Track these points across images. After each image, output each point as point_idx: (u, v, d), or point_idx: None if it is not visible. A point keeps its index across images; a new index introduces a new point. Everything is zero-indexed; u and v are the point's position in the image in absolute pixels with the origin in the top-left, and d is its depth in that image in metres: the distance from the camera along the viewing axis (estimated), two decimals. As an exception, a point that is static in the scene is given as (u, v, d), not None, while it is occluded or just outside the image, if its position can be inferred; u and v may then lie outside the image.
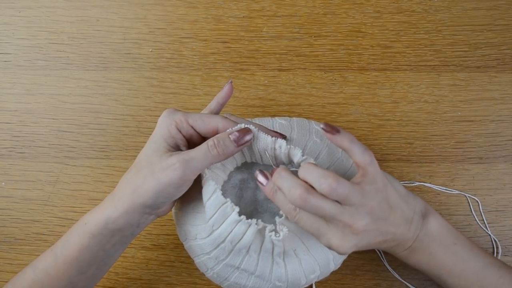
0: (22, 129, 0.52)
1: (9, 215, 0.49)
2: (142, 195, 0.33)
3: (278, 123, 0.40)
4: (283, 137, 0.37)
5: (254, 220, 0.33)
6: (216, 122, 0.35)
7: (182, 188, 0.34)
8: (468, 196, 0.47)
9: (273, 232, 0.33)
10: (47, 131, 0.51)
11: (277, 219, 0.34)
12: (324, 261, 0.35)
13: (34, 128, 0.52)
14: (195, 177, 0.34)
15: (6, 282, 0.46)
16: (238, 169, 0.38)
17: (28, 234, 0.48)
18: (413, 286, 0.44)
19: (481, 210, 0.47)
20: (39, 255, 0.47)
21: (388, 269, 0.45)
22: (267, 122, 0.40)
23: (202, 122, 0.35)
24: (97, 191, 0.49)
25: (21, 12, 0.56)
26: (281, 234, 0.33)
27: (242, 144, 0.34)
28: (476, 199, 0.47)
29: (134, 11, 0.55)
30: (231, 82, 0.40)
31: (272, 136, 0.35)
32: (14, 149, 0.51)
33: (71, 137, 0.51)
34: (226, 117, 0.36)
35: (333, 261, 0.36)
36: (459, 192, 0.47)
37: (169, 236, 0.47)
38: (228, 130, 0.34)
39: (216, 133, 0.36)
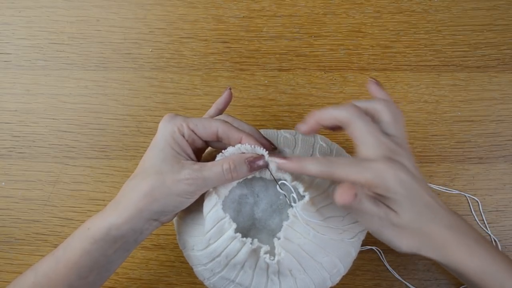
0: (22, 129, 0.52)
1: (9, 215, 0.49)
2: (151, 203, 0.33)
3: (283, 136, 0.40)
4: (273, 147, 0.37)
5: (249, 239, 0.33)
6: (216, 127, 0.35)
7: (192, 199, 0.35)
8: (468, 196, 0.47)
9: (268, 255, 0.33)
10: (47, 131, 0.51)
11: (275, 241, 0.34)
12: (320, 280, 0.35)
13: (34, 128, 0.52)
14: (204, 191, 0.35)
15: (6, 282, 0.46)
16: (238, 183, 0.38)
17: (28, 234, 0.48)
18: (413, 286, 0.44)
19: (481, 210, 0.47)
20: (39, 255, 0.47)
21: (388, 269, 0.45)
22: (272, 134, 0.40)
23: (202, 127, 0.35)
24: (97, 191, 0.49)
25: (21, 12, 0.56)
26: (276, 257, 0.33)
27: (255, 169, 0.35)
28: (476, 199, 0.47)
29: (134, 11, 0.55)
30: (230, 88, 0.41)
31: (261, 146, 0.35)
32: (14, 149, 0.51)
33: (71, 137, 0.51)
34: (225, 121, 0.36)
35: (330, 280, 0.36)
36: (459, 192, 0.47)
37: (169, 236, 0.47)
38: (244, 155, 0.35)
39: (216, 137, 0.36)
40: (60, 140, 0.51)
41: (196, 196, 0.34)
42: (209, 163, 0.34)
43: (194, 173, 0.33)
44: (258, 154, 0.35)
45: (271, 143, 0.37)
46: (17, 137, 0.51)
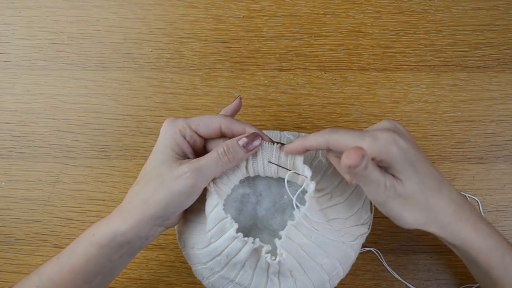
0: (22, 129, 0.52)
1: (9, 215, 0.49)
2: (154, 207, 0.33)
3: (286, 138, 0.40)
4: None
5: (250, 239, 0.33)
6: (218, 122, 0.35)
7: (193, 196, 0.34)
8: (468, 196, 0.47)
9: (269, 254, 0.33)
10: (47, 131, 0.51)
11: (276, 241, 0.34)
12: (319, 282, 0.35)
13: (34, 128, 0.52)
14: (206, 184, 0.34)
15: (6, 282, 0.46)
16: (240, 182, 0.38)
17: (28, 234, 0.48)
18: (413, 286, 0.44)
19: (481, 210, 0.46)
20: (39, 255, 0.47)
21: (388, 269, 0.45)
22: (275, 135, 0.40)
23: (204, 125, 0.35)
24: (97, 191, 0.49)
25: (21, 12, 0.56)
26: (278, 258, 0.33)
27: (251, 150, 0.34)
28: (476, 199, 0.47)
29: (134, 11, 0.55)
30: (240, 98, 0.40)
31: (276, 144, 0.35)
32: (14, 149, 0.51)
33: (71, 137, 0.51)
34: (227, 116, 0.36)
35: (329, 282, 0.36)
36: (459, 192, 0.47)
37: (169, 236, 0.47)
38: (236, 138, 0.34)
39: (219, 133, 0.35)
40: (60, 140, 0.51)
41: (198, 190, 0.34)
42: (206, 154, 0.34)
43: (191, 165, 0.33)
44: (251, 135, 0.34)
45: (272, 141, 0.37)
46: (17, 137, 0.51)
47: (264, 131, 0.39)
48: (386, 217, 0.46)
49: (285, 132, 0.41)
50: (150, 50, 0.54)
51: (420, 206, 0.32)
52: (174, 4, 0.55)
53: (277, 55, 0.53)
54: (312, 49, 0.53)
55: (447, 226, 0.33)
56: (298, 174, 0.36)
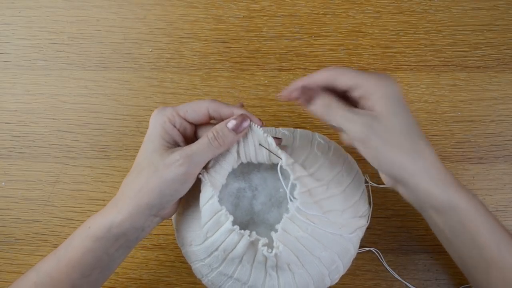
0: (22, 129, 0.52)
1: (9, 215, 0.49)
2: (147, 195, 0.33)
3: (281, 133, 0.40)
4: (279, 140, 0.37)
5: (247, 232, 0.33)
6: (205, 106, 0.35)
7: (187, 184, 0.34)
8: (468, 196, 0.47)
9: (266, 247, 0.33)
10: (47, 131, 0.51)
11: (273, 234, 0.34)
12: (319, 276, 0.35)
13: (34, 128, 0.52)
14: (199, 171, 0.34)
15: (6, 282, 0.46)
16: (235, 177, 0.37)
17: (28, 234, 0.48)
18: (413, 286, 0.44)
19: (481, 210, 0.46)
20: (39, 255, 0.47)
21: (388, 269, 0.45)
22: (270, 131, 0.40)
23: (193, 111, 0.35)
24: (97, 191, 0.49)
25: (21, 12, 0.56)
26: (274, 250, 0.33)
27: (241, 132, 0.34)
28: (476, 199, 0.47)
29: (134, 11, 0.55)
30: (242, 105, 0.39)
31: (253, 120, 0.35)
32: (14, 149, 0.51)
33: (71, 137, 0.51)
34: (214, 100, 0.36)
35: (329, 276, 0.36)
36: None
37: (169, 236, 0.47)
38: (224, 121, 0.34)
39: (208, 118, 0.36)
40: (60, 140, 0.51)
41: (192, 177, 0.34)
42: (196, 141, 0.34)
43: (183, 152, 0.33)
44: (239, 116, 0.34)
45: (277, 138, 0.37)
46: (17, 137, 0.51)
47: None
48: (386, 217, 0.46)
49: (280, 128, 0.41)
50: (150, 50, 0.54)
51: (407, 147, 0.32)
52: (174, 4, 0.55)
53: (277, 55, 0.53)
54: (312, 49, 0.53)
55: (436, 178, 0.32)
56: (280, 158, 0.35)
